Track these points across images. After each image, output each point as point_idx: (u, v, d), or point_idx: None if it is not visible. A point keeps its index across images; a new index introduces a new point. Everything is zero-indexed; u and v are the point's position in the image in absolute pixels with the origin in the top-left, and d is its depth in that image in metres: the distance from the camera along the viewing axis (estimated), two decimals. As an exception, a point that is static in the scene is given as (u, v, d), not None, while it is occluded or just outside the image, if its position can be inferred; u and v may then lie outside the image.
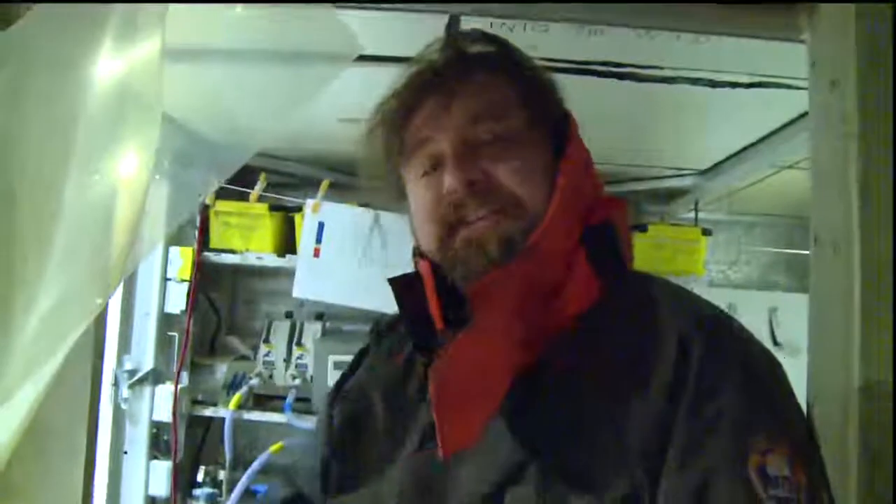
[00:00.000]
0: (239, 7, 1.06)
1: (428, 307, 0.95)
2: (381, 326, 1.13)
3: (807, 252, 3.00)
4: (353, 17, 1.33)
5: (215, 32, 1.22)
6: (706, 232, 2.70)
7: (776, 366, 0.83)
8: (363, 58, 1.65)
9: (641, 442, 0.76)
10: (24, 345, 0.87)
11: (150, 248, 1.05)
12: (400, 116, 0.96)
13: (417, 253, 1.01)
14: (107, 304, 1.16)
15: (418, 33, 1.48)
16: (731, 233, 3.22)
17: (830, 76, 1.02)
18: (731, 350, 0.81)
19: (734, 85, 1.64)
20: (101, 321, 1.17)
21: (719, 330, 0.83)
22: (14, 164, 0.92)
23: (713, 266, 3.18)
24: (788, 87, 1.61)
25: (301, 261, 2.55)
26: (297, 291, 2.54)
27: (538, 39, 1.38)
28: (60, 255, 0.89)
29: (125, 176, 0.93)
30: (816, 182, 1.08)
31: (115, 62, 0.93)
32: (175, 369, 2.52)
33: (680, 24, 1.16)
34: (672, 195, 2.89)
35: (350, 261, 2.48)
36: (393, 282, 1.00)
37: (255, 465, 2.45)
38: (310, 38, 1.13)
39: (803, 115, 1.87)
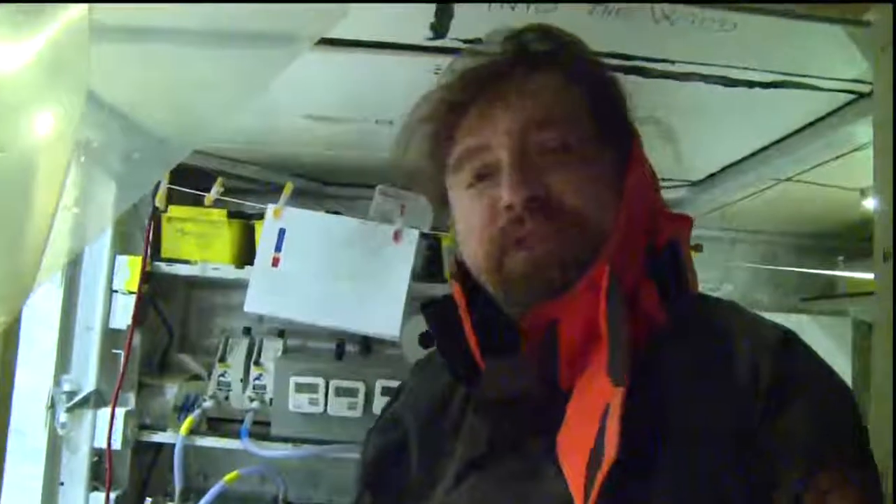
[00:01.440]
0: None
1: (464, 334, 0.88)
2: (429, 353, 1.07)
3: (792, 269, 2.89)
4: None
5: (161, 6, 1.04)
6: (696, 248, 2.54)
7: (848, 392, 0.78)
8: (339, 42, 1.47)
9: (715, 471, 0.72)
10: None
11: (73, 253, 0.86)
12: (450, 117, 0.88)
13: (454, 273, 0.94)
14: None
15: (404, 15, 1.30)
16: (715, 249, 3.10)
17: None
18: (802, 375, 0.76)
19: (752, 84, 1.49)
20: (12, 338, 0.98)
21: (790, 354, 0.78)
22: None
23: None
24: (813, 87, 1.46)
25: (257, 271, 2.29)
26: (250, 305, 2.28)
27: (541, 20, 1.21)
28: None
29: (39, 159, 0.75)
30: (883, 187, 0.91)
31: (27, 29, 0.77)
32: (115, 390, 2.27)
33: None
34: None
35: (314, 273, 2.26)
36: (426, 308, 0.94)
37: (209, 496, 2.23)
38: (276, 9, 0.95)
39: (815, 122, 1.74)
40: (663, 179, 2.40)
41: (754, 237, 3.13)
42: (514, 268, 0.83)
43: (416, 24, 1.24)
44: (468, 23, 1.23)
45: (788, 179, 2.23)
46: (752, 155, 2.09)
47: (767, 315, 2.53)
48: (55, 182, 0.75)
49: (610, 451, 0.69)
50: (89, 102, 1.24)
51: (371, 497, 0.96)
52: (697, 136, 1.99)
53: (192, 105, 1.01)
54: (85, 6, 0.76)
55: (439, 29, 1.25)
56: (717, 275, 3.12)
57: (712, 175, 2.35)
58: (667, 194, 2.45)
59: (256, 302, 2.30)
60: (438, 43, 1.32)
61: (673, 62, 1.42)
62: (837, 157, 1.87)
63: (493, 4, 1.18)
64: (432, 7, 1.18)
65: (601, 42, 1.34)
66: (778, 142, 1.94)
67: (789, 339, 0.79)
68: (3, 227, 0.73)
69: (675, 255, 0.86)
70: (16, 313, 0.72)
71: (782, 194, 2.38)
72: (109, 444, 2.24)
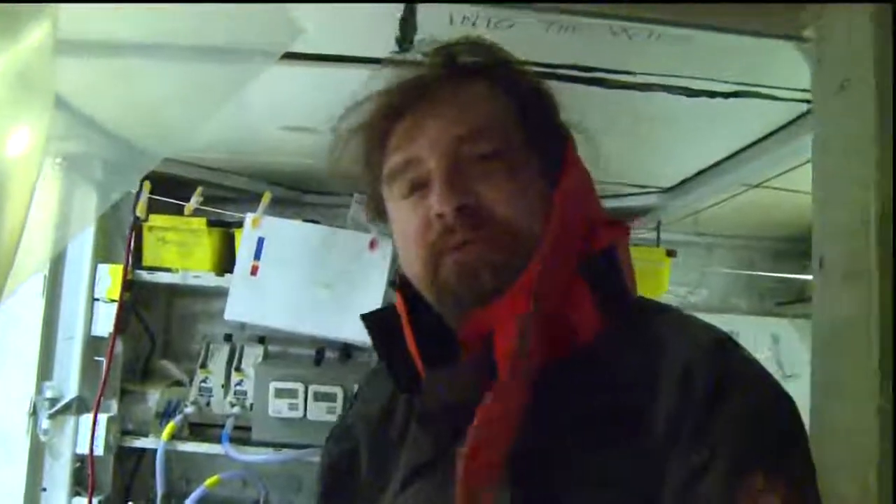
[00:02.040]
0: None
1: (406, 345, 0.90)
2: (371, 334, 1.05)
3: (767, 274, 2.94)
4: (309, 11, 1.19)
5: (133, 22, 1.08)
6: (670, 253, 2.60)
7: (784, 397, 0.77)
8: (308, 57, 1.52)
9: (637, 483, 0.72)
10: None
11: (44, 260, 0.89)
12: (381, 129, 0.89)
13: (395, 285, 0.96)
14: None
15: (370, 30, 1.34)
16: (690, 254, 3.13)
17: (840, 76, 0.90)
18: (737, 380, 0.75)
19: (713, 94, 1.53)
20: None
21: (725, 358, 0.77)
22: None
23: (672, 288, 3.08)
24: (772, 97, 1.51)
25: (236, 279, 2.34)
26: (230, 313, 2.33)
27: (501, 37, 1.24)
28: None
29: (7, 169, 0.78)
30: (822, 198, 0.95)
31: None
32: (97, 396, 2.30)
33: (670, 17, 1.03)
34: (633, 214, 2.77)
35: (293, 281, 2.30)
36: (366, 319, 0.95)
37: (190, 500, 2.26)
38: (237, 28, 0.99)
39: (778, 130, 1.78)
40: (636, 185, 2.47)
41: (730, 242, 3.16)
42: (447, 275, 0.84)
43: (381, 38, 1.28)
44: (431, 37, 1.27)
45: (758, 185, 2.27)
46: (721, 162, 2.12)
47: (744, 318, 2.60)
48: (24, 195, 0.78)
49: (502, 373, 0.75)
50: (67, 113, 1.28)
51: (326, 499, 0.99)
52: (666, 144, 2.03)
53: (163, 116, 1.04)
54: (49, 22, 0.79)
55: (404, 43, 1.29)
56: (693, 279, 3.15)
57: (683, 182, 2.39)
58: (639, 200, 2.51)
59: (236, 310, 2.35)
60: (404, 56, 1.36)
61: (634, 73, 1.46)
62: (804, 164, 1.91)
63: (456, 21, 1.22)
64: (396, 22, 1.21)
65: (560, 55, 1.40)
66: (745, 149, 1.98)
67: (724, 344, 0.80)
68: None
69: (611, 261, 0.86)
70: None
71: (754, 200, 2.42)
72: (92, 450, 2.26)
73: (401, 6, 1.14)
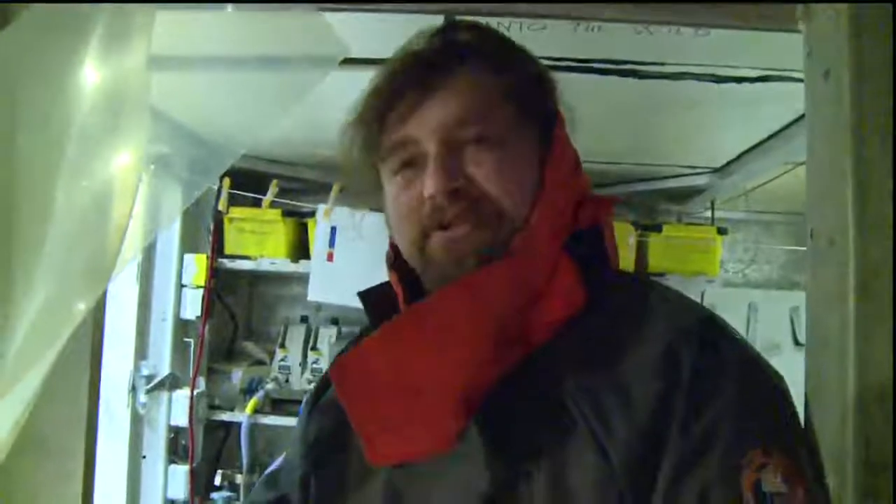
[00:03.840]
0: (229, 7, 1.06)
1: None
2: (363, 329, 1.06)
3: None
4: (352, 21, 1.33)
5: (204, 40, 1.23)
6: (721, 231, 2.67)
7: (772, 374, 0.78)
8: (370, 61, 1.66)
9: (629, 460, 0.72)
10: (12, 349, 0.87)
11: (137, 250, 1.05)
12: (379, 110, 0.88)
13: (390, 261, 0.96)
14: (102, 307, 1.17)
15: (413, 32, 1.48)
16: (748, 231, 3.19)
17: (824, 66, 1.01)
18: (723, 359, 0.76)
19: (740, 80, 1.62)
20: (98, 328, 1.17)
21: (710, 337, 0.78)
22: (4, 172, 0.93)
23: (731, 265, 3.15)
24: (798, 80, 1.58)
25: (315, 265, 2.56)
26: (312, 295, 2.55)
27: (535, 38, 1.37)
28: (49, 260, 0.90)
29: (114, 181, 0.94)
30: (812, 176, 1.06)
31: (103, 69, 0.94)
32: (191, 374, 2.53)
33: (676, 18, 1.14)
34: (688, 194, 2.86)
35: (363, 264, 2.48)
36: (363, 296, 0.97)
37: (271, 468, 2.44)
38: (295, 42, 1.14)
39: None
40: (687, 166, 2.55)
41: (788, 218, 3.18)
42: (435, 250, 0.85)
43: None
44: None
45: (804, 163, 2.32)
46: (765, 140, 2.19)
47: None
48: (127, 203, 0.93)
49: None
50: (156, 119, 1.45)
51: (316, 479, 0.94)
52: (708, 126, 2.12)
53: (238, 118, 1.16)
54: (145, 40, 0.94)
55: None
56: (751, 256, 3.20)
57: (731, 161, 2.46)
58: (691, 181, 2.59)
59: (317, 292, 2.57)
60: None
61: (663, 63, 1.56)
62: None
63: (490, 21, 1.34)
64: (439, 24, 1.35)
65: (592, 51, 1.51)
66: (786, 128, 2.04)
67: (708, 323, 0.80)
68: (86, 237, 0.92)
69: (597, 238, 0.89)
70: (97, 300, 0.90)
71: (804, 176, 2.45)
72: (192, 422, 2.49)
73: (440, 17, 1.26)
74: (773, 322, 3.01)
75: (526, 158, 0.88)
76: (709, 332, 0.78)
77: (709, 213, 2.92)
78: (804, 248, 2.90)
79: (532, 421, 0.78)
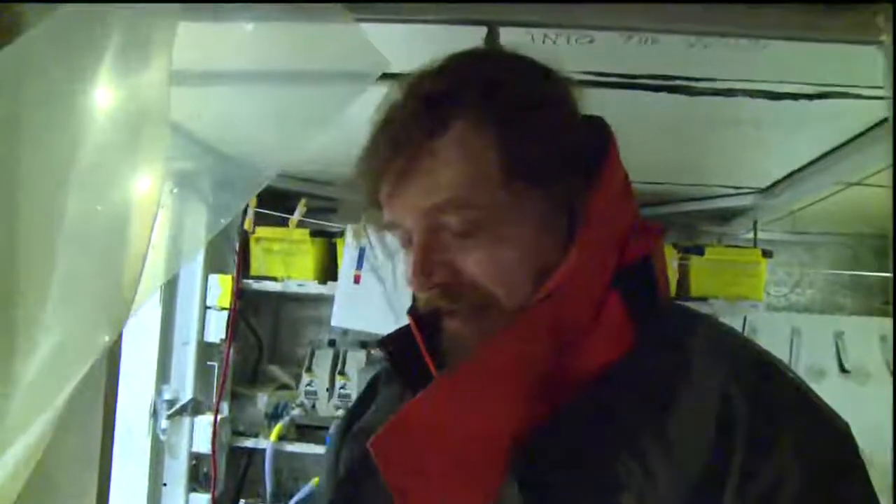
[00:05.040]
0: (250, 26, 0.99)
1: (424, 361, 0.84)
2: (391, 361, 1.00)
3: (874, 273, 2.84)
4: (387, 33, 1.26)
5: (236, 53, 1.17)
6: (766, 254, 2.57)
7: (832, 419, 0.72)
8: (398, 76, 1.60)
9: None
10: (25, 389, 0.81)
11: (166, 275, 0.98)
12: (373, 179, 0.80)
13: (412, 307, 0.88)
14: (119, 338, 1.11)
15: (458, 48, 1.41)
16: (791, 253, 3.08)
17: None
18: (784, 415, 0.70)
19: (797, 97, 1.53)
20: (114, 355, 1.11)
21: (769, 388, 0.72)
22: (15, 195, 0.86)
23: (773, 289, 3.04)
24: (858, 96, 1.49)
25: (341, 288, 2.48)
26: (336, 320, 2.47)
27: (583, 52, 1.29)
28: (62, 291, 0.83)
29: (132, 204, 0.87)
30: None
31: (120, 87, 0.89)
32: (215, 399, 2.46)
33: (742, 30, 1.05)
34: (730, 215, 2.76)
35: (392, 288, 2.40)
36: (383, 343, 0.90)
37: (296, 498, 2.38)
38: (332, 56, 1.07)
39: (873, 128, 1.75)
40: (731, 186, 2.46)
41: (832, 240, 3.09)
42: (450, 331, 0.80)
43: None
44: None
45: (857, 183, 2.23)
46: (816, 160, 2.09)
47: (850, 319, 2.52)
48: (147, 221, 0.86)
49: None
50: (180, 137, 1.39)
51: None
52: (756, 145, 2.02)
53: (271, 137, 1.10)
54: (165, 56, 0.87)
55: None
56: (795, 279, 3.10)
57: (778, 181, 2.36)
58: (735, 201, 2.49)
59: (342, 317, 2.48)
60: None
61: (714, 80, 1.47)
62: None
63: (538, 40, 1.26)
64: (480, 42, 1.27)
65: (642, 66, 1.42)
66: (838, 148, 1.95)
67: (767, 367, 0.75)
68: (105, 266, 0.85)
69: (646, 270, 0.81)
70: (117, 334, 0.84)
71: (853, 197, 2.36)
72: (214, 449, 2.42)
73: (483, 28, 1.18)
74: (817, 348, 2.90)
75: (536, 215, 0.77)
76: (767, 379, 0.73)
77: (749, 235, 2.83)
78: (849, 272, 2.79)
79: (576, 479, 0.72)
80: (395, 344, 0.89)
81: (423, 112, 0.76)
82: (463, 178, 0.75)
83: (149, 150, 0.89)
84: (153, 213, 0.86)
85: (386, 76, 1.56)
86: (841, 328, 2.92)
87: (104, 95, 0.88)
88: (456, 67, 0.81)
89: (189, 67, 1.12)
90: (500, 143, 0.75)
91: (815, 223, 2.87)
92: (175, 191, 1.00)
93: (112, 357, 1.08)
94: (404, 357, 0.86)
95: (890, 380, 2.84)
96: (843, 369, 2.87)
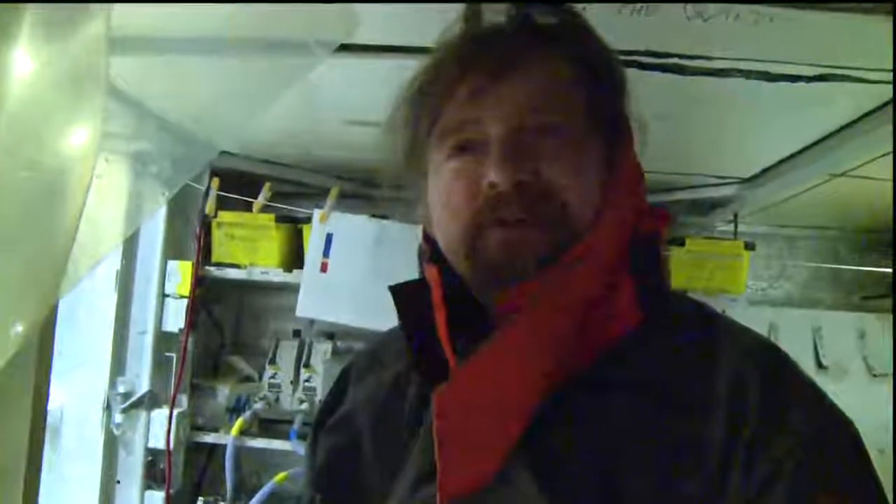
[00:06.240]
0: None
1: (434, 322, 0.81)
2: (375, 344, 1.00)
3: (854, 268, 2.81)
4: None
5: (188, 18, 1.07)
6: (749, 246, 2.49)
7: (843, 418, 0.73)
8: (370, 49, 1.49)
9: (690, 491, 0.67)
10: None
11: (99, 258, 0.88)
12: (441, 86, 0.79)
13: (426, 255, 0.86)
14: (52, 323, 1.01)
15: (433, 20, 1.30)
16: (770, 246, 3.02)
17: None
18: (792, 399, 0.71)
19: (795, 78, 1.44)
20: (47, 340, 1.00)
21: (778, 372, 0.73)
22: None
23: (752, 282, 2.98)
24: (859, 80, 1.41)
25: (307, 276, 2.36)
26: (301, 310, 2.35)
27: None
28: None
29: (60, 173, 0.77)
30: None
31: (45, 46, 0.78)
32: (176, 392, 2.33)
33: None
34: (710, 206, 2.68)
35: (360, 277, 2.29)
36: (395, 291, 0.87)
37: (258, 496, 2.27)
38: (294, 17, 0.97)
39: (865, 116, 1.68)
40: (714, 176, 2.38)
41: (813, 233, 3.04)
42: (490, 249, 0.76)
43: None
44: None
45: (843, 174, 2.16)
46: (804, 150, 2.02)
47: (828, 314, 2.49)
48: (80, 189, 0.76)
49: None
50: (130, 109, 1.28)
51: (322, 501, 0.89)
52: (745, 132, 1.95)
53: (220, 109, 1.02)
54: (102, 21, 0.77)
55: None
56: (774, 272, 3.04)
57: (763, 171, 2.29)
58: (717, 192, 2.42)
59: (307, 307, 2.36)
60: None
61: (710, 58, 1.38)
62: (889, 153, 1.81)
63: None
64: (459, 11, 1.17)
65: (633, 40, 1.33)
66: (828, 136, 1.87)
67: (777, 355, 0.76)
68: (27, 241, 0.74)
69: (654, 252, 0.82)
70: (39, 321, 0.73)
71: (837, 189, 2.31)
72: (169, 444, 2.29)
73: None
74: (795, 343, 2.84)
75: (595, 158, 0.79)
76: (779, 365, 0.75)
77: (726, 227, 2.77)
78: (830, 266, 2.75)
79: (583, 448, 0.72)
80: (405, 295, 0.87)
81: (520, 32, 0.81)
82: (553, 85, 0.78)
83: (82, 116, 0.78)
84: (85, 184, 0.75)
85: (350, 48, 1.46)
86: (819, 323, 2.87)
87: (26, 58, 0.78)
88: (551, 4, 0.84)
89: (137, 33, 1.02)
90: (581, 73, 0.80)
91: (794, 216, 2.82)
92: (110, 159, 0.90)
93: (45, 339, 0.97)
94: (414, 309, 0.84)
95: (867, 377, 2.80)
96: (820, 365, 2.82)
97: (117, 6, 0.81)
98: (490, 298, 0.78)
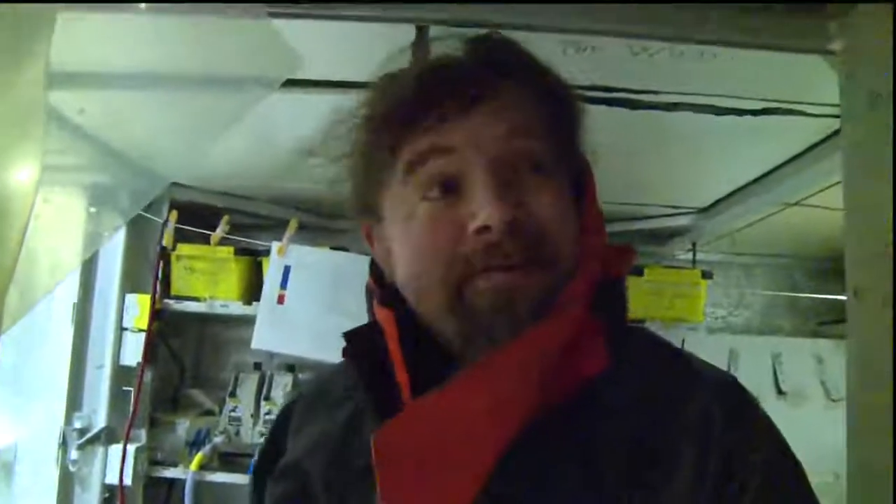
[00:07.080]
0: (143, 5, 0.88)
1: (388, 367, 0.75)
2: (315, 383, 0.93)
3: (810, 295, 2.85)
4: (311, 40, 1.17)
5: (132, 49, 1.07)
6: (706, 275, 2.52)
7: (790, 450, 0.72)
8: (328, 84, 1.50)
9: None
10: None
11: (49, 288, 0.87)
12: (402, 111, 0.72)
13: (377, 297, 0.79)
14: None
15: (383, 50, 1.32)
16: (728, 275, 3.07)
17: (868, 89, 0.85)
18: (755, 431, 0.71)
19: (741, 112, 1.47)
20: None
21: (741, 406, 0.72)
22: None
23: (710, 310, 3.02)
24: (804, 113, 1.45)
25: (263, 308, 2.35)
26: (257, 342, 2.33)
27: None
28: None
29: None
30: (852, 222, 0.90)
31: None
32: (126, 426, 2.29)
33: (691, 34, 0.97)
34: (668, 235, 2.72)
35: (318, 309, 2.28)
36: (349, 337, 0.81)
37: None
38: (238, 55, 0.97)
39: (816, 146, 1.72)
40: (670, 206, 2.42)
41: (770, 262, 3.09)
42: (480, 297, 0.69)
43: (396, 63, 1.26)
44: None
45: (795, 204, 2.21)
46: (756, 180, 2.06)
47: (787, 340, 2.51)
48: (20, 222, 0.76)
49: None
50: (81, 141, 1.28)
51: None
52: (698, 163, 1.98)
53: (169, 142, 1.02)
54: (42, 57, 0.77)
55: (416, 67, 1.26)
56: (733, 300, 3.08)
57: (718, 201, 2.33)
58: (673, 221, 2.46)
59: (263, 339, 2.34)
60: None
61: (657, 93, 1.41)
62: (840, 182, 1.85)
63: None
64: (408, 46, 1.18)
65: (579, 76, 1.35)
66: (780, 167, 1.92)
67: (738, 387, 0.75)
68: None
69: (620, 293, 0.78)
70: None
71: (792, 218, 2.36)
72: (121, 481, 2.25)
73: (412, 34, 1.10)
74: (755, 370, 2.86)
75: (567, 194, 0.75)
76: (738, 399, 0.73)
77: (685, 256, 2.80)
78: (788, 294, 2.78)
79: (552, 492, 0.68)
80: (358, 337, 0.81)
81: (485, 66, 0.73)
82: (530, 115, 0.73)
83: (22, 152, 0.78)
84: (23, 222, 0.74)
85: (304, 83, 1.47)
86: (778, 350, 2.90)
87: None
88: (500, 39, 0.78)
89: (79, 69, 1.02)
90: (547, 107, 0.74)
91: (752, 244, 2.86)
92: (63, 191, 0.90)
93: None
94: (370, 354, 0.77)
95: (825, 401, 2.83)
96: (779, 391, 2.84)
97: (57, 40, 0.81)
98: (476, 351, 0.71)
